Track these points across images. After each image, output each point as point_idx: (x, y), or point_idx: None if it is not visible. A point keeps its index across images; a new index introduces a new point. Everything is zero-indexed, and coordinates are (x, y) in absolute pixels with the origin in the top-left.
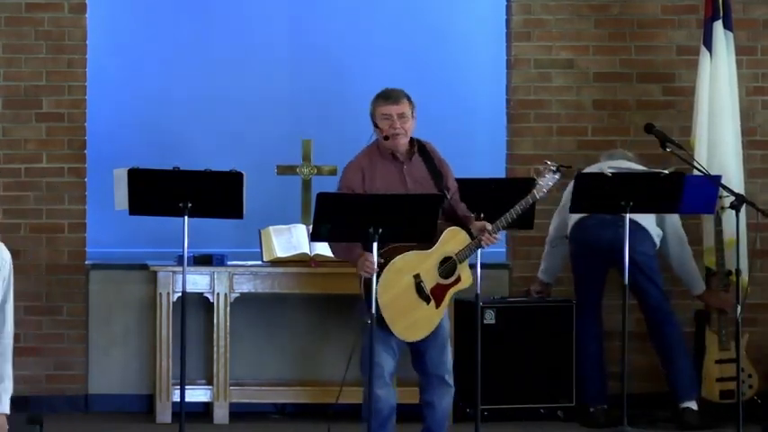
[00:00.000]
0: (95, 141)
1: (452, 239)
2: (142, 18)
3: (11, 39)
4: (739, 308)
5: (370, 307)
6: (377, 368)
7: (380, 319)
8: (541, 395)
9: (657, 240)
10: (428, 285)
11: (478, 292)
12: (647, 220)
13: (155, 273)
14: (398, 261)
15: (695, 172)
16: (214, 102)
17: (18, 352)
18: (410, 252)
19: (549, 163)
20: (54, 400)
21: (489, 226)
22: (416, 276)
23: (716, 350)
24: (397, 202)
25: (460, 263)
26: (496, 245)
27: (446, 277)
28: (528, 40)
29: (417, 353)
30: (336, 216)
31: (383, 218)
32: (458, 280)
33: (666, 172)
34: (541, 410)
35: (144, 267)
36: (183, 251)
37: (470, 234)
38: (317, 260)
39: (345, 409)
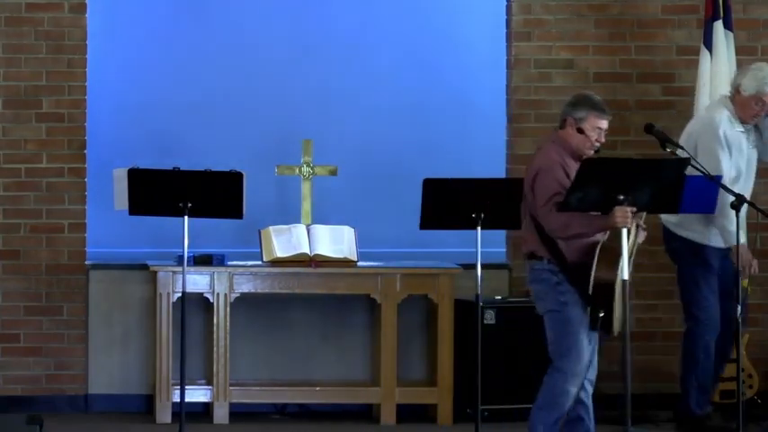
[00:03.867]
0: (95, 141)
1: (632, 235)
2: (142, 18)
3: (11, 39)
4: (739, 308)
5: (595, 309)
6: (581, 362)
7: (608, 316)
8: None
9: (682, 232)
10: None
11: (479, 292)
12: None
13: (155, 273)
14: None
15: (696, 172)
16: (214, 102)
17: (18, 352)
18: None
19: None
20: (54, 400)
21: (642, 223)
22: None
23: None
24: (648, 168)
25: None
26: (496, 245)
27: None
28: (528, 40)
29: None
30: (592, 184)
31: (634, 184)
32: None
33: None
34: None
35: (144, 267)
36: (183, 251)
37: None
38: (317, 260)
39: (352, 410)
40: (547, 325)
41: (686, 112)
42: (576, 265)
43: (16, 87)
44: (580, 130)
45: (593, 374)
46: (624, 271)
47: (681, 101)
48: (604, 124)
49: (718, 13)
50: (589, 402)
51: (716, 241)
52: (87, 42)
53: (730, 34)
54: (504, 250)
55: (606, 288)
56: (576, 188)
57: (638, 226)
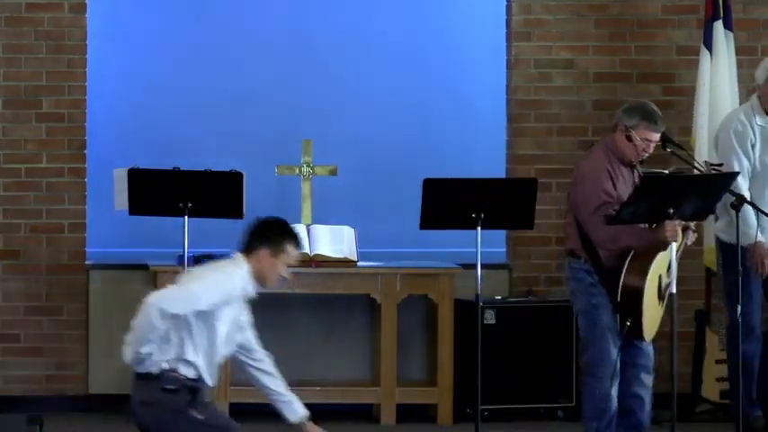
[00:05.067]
0: (95, 141)
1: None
2: (142, 18)
3: (11, 39)
4: (739, 308)
5: (625, 314)
6: (609, 367)
7: (636, 323)
8: (541, 395)
9: (718, 233)
10: (663, 285)
11: (479, 292)
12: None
13: (155, 273)
14: (656, 262)
15: (696, 172)
16: (214, 101)
17: (18, 352)
18: (661, 252)
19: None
20: (54, 400)
21: (693, 225)
22: (660, 277)
23: (716, 350)
24: (696, 182)
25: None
26: (496, 245)
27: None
28: (528, 40)
29: (630, 344)
30: (647, 198)
31: (683, 197)
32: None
33: (666, 172)
34: (541, 410)
35: (144, 267)
36: (184, 251)
37: None
38: (317, 260)
39: (352, 410)
40: (579, 326)
41: (686, 112)
42: (611, 270)
43: (16, 87)
44: (629, 138)
45: (648, 362)
46: (672, 285)
47: (681, 101)
48: (654, 137)
49: (718, 13)
50: (645, 394)
51: (744, 240)
52: (87, 42)
53: (730, 34)
54: (504, 250)
55: (634, 295)
56: (629, 203)
57: (687, 228)
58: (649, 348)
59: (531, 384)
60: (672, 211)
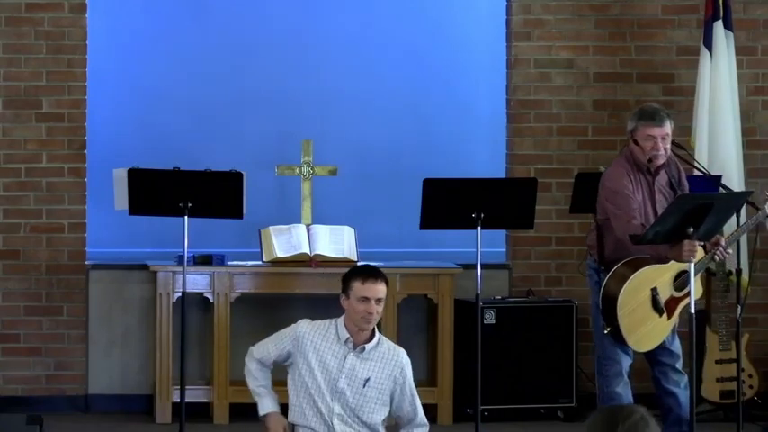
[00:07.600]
0: (95, 141)
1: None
2: (142, 18)
3: (11, 39)
4: (739, 308)
5: (605, 320)
6: (615, 365)
7: (616, 330)
8: (541, 395)
9: None
10: (663, 298)
11: (479, 292)
12: None
13: (155, 273)
14: (640, 275)
15: (695, 172)
16: (214, 101)
17: (18, 352)
18: (651, 266)
19: None
20: (54, 400)
21: (723, 241)
22: (653, 290)
23: (716, 350)
24: (723, 201)
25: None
26: (496, 245)
27: (679, 290)
28: (528, 40)
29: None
30: (676, 216)
31: (702, 218)
32: (689, 293)
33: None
34: (541, 410)
35: (144, 267)
36: (184, 251)
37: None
38: (317, 260)
39: None
40: None
41: (686, 112)
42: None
43: (16, 87)
44: (635, 142)
45: (674, 361)
46: (691, 305)
47: (681, 101)
48: (655, 131)
49: (718, 13)
50: (679, 390)
51: None
52: (87, 42)
53: (730, 34)
54: (504, 250)
55: (611, 301)
56: (657, 223)
57: (718, 243)
58: (675, 346)
59: (531, 384)
60: (691, 230)
